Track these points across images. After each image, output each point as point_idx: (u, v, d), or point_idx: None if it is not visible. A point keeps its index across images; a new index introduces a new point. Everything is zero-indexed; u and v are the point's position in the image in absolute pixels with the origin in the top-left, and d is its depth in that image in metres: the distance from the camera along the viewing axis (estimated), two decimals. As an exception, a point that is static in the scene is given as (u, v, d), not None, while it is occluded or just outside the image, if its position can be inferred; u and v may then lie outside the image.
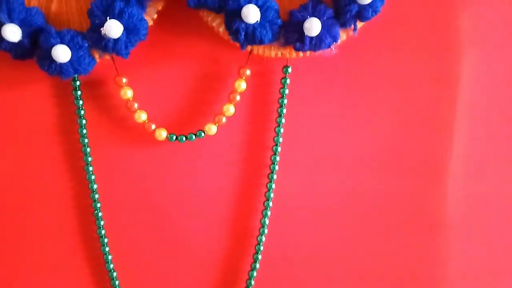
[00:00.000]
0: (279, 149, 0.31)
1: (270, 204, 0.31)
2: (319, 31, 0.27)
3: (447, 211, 0.31)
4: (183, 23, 0.30)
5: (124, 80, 0.30)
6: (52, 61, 0.28)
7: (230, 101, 0.31)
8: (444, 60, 0.30)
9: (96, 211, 0.32)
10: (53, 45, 0.27)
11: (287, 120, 0.31)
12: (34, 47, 0.29)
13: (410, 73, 0.30)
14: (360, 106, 0.31)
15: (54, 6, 0.29)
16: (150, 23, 0.29)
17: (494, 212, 0.31)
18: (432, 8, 0.30)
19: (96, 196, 0.32)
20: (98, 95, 0.31)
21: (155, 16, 0.29)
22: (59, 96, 0.31)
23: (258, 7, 0.27)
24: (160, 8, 0.29)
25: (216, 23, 0.29)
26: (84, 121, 0.31)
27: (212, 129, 0.31)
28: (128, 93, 0.30)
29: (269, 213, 0.31)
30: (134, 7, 0.27)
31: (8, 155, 0.31)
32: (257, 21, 0.27)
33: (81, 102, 0.31)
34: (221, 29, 0.29)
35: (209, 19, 0.29)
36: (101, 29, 0.27)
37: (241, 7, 0.27)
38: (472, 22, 0.30)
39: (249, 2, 0.27)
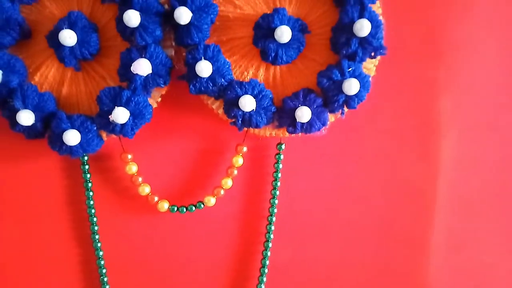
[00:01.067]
0: (274, 219, 0.33)
1: (266, 270, 0.33)
2: (309, 118, 0.30)
3: (429, 282, 0.33)
4: (185, 103, 0.33)
5: (130, 156, 0.33)
6: (63, 143, 0.30)
7: (228, 175, 0.33)
8: (427, 139, 0.32)
9: (102, 277, 0.34)
10: (64, 130, 0.30)
11: (281, 192, 0.33)
12: (46, 128, 0.31)
13: (395, 151, 0.33)
14: (349, 180, 0.33)
15: (64, 90, 0.32)
16: (155, 105, 0.32)
17: (474, 283, 0.33)
18: (415, 92, 0.32)
19: (102, 262, 0.34)
20: (105, 168, 0.33)
21: (159, 99, 0.32)
22: (68, 169, 0.33)
23: (254, 97, 0.30)
24: (164, 92, 0.32)
25: (216, 105, 0.31)
26: (91, 193, 0.33)
27: (211, 201, 0.33)
28: (133, 168, 0.33)
29: (265, 279, 0.33)
30: (140, 96, 0.30)
31: (19, 222, 0.34)
32: (253, 109, 0.30)
33: (88, 175, 0.33)
34: (220, 111, 0.31)
35: (209, 102, 0.31)
36: (110, 116, 0.30)
37: (238, 97, 0.30)
38: (452, 105, 0.32)
39: (245, 93, 0.29)
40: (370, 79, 0.30)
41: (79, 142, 0.30)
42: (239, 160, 0.33)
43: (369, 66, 0.31)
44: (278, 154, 0.33)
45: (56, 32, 0.29)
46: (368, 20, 0.28)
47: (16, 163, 0.33)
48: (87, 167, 0.33)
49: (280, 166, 0.33)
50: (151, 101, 0.31)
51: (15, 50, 0.31)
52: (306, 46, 0.31)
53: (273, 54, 0.29)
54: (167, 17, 0.30)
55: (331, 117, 0.31)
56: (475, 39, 0.33)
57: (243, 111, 0.30)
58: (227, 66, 0.30)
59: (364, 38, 0.28)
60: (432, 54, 0.32)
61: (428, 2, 0.32)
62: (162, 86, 0.31)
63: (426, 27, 0.32)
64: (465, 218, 0.33)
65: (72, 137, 0.30)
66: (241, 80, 0.31)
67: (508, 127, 0.33)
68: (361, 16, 0.28)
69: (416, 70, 0.32)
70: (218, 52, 0.30)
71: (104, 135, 0.32)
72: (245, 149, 0.33)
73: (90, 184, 0.33)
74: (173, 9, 0.29)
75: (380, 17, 0.30)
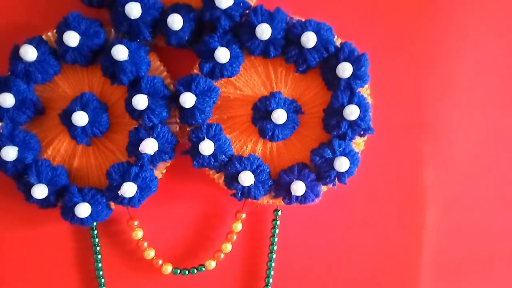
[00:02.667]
0: (271, 280, 0.35)
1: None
2: (304, 192, 0.32)
3: None
4: (188, 172, 0.35)
5: (136, 222, 0.35)
6: (75, 215, 0.32)
7: (227, 240, 0.35)
8: (412, 208, 0.35)
9: (108, 335, 0.36)
10: (76, 204, 0.32)
11: (278, 255, 0.35)
12: (58, 199, 0.33)
13: (383, 218, 0.35)
14: (339, 244, 0.35)
15: (76, 162, 0.34)
16: (160, 176, 0.34)
17: None
18: (400, 164, 0.35)
19: (109, 321, 0.36)
20: (112, 232, 0.35)
21: (164, 171, 0.34)
22: (77, 233, 0.35)
23: (252, 172, 0.32)
24: (168, 164, 0.34)
25: (217, 176, 0.34)
26: (99, 256, 0.35)
27: (212, 264, 0.35)
28: (139, 234, 0.35)
29: (262, 338, 0.36)
30: (147, 171, 0.32)
31: (29, 283, 0.35)
32: (252, 183, 0.32)
33: (97, 239, 0.35)
34: (221, 181, 0.34)
35: (211, 173, 0.34)
36: (118, 191, 0.32)
37: (238, 172, 0.32)
38: (436, 176, 0.35)
39: (245, 169, 0.32)
40: (359, 154, 0.33)
41: (90, 214, 0.32)
42: (238, 226, 0.35)
43: (358, 141, 0.33)
44: (275, 220, 0.35)
45: (69, 112, 0.32)
46: (357, 105, 0.31)
47: (29, 227, 0.35)
48: (95, 232, 0.35)
49: (277, 231, 0.35)
50: (156, 173, 0.34)
51: (30, 125, 0.34)
52: (300, 124, 0.33)
53: (270, 133, 0.32)
54: (173, 98, 0.33)
55: (323, 188, 0.34)
56: (457, 114, 0.35)
57: (243, 185, 0.32)
58: (228, 143, 0.32)
59: (354, 121, 0.31)
60: (416, 128, 0.35)
61: (412, 83, 0.35)
62: (168, 161, 0.33)
63: (411, 105, 0.35)
64: (448, 285, 0.35)
65: (83, 210, 0.32)
66: (240, 153, 0.34)
67: (489, 196, 0.36)
68: (350, 101, 0.31)
69: (401, 143, 0.35)
70: (220, 131, 0.32)
71: (112, 205, 0.34)
72: (244, 215, 0.35)
73: (98, 248, 0.35)
74: (178, 93, 0.32)
75: (369, 98, 0.33)
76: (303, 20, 0.32)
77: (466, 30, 0.35)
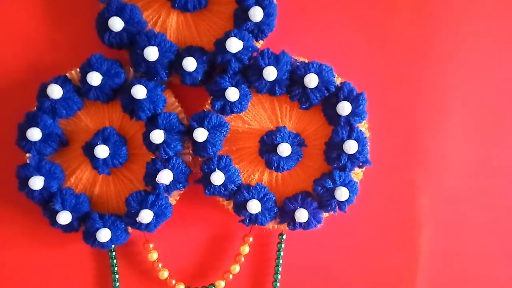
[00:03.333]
0: (276, 299, 0.38)
1: None
2: (307, 219, 0.35)
3: None
4: (200, 198, 0.37)
5: (151, 245, 0.38)
6: (96, 239, 0.35)
7: (236, 262, 0.38)
8: (407, 232, 0.38)
9: None
10: (97, 229, 0.35)
11: (283, 275, 0.38)
12: (80, 224, 0.36)
13: (380, 242, 0.38)
14: (340, 265, 0.38)
15: (96, 190, 0.37)
16: (174, 203, 0.37)
17: None
18: (396, 192, 0.38)
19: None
20: (129, 253, 0.38)
21: (178, 197, 0.37)
22: (97, 254, 0.38)
23: (259, 200, 0.35)
24: (182, 191, 0.37)
25: (226, 203, 0.36)
26: (117, 276, 0.38)
27: (221, 284, 0.38)
28: (154, 256, 0.38)
29: None
30: (163, 199, 0.35)
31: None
32: (259, 211, 0.35)
33: (115, 260, 0.38)
34: (230, 207, 0.36)
35: (221, 199, 0.37)
36: (136, 218, 0.34)
37: (246, 201, 0.35)
38: (429, 203, 0.38)
39: (252, 197, 0.34)
40: (358, 183, 0.36)
41: (110, 238, 0.35)
42: (246, 249, 0.38)
43: (357, 171, 0.36)
44: (280, 243, 0.38)
45: (92, 145, 0.35)
46: (356, 140, 0.34)
47: (51, 247, 0.38)
48: (114, 253, 0.38)
49: (282, 253, 0.38)
50: (171, 199, 0.36)
51: (54, 156, 0.36)
52: (304, 155, 0.36)
53: (276, 165, 0.35)
54: (187, 132, 0.35)
55: (325, 214, 0.36)
56: (448, 145, 0.38)
57: (250, 213, 0.35)
58: (237, 173, 0.35)
59: (353, 154, 0.34)
60: (411, 159, 0.38)
61: (407, 117, 0.37)
62: (181, 190, 0.36)
63: (406, 137, 0.38)
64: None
65: (104, 235, 0.35)
66: (248, 182, 0.36)
67: (479, 221, 0.38)
68: (349, 136, 0.34)
69: (397, 173, 0.38)
70: (229, 162, 0.35)
71: (130, 228, 0.37)
72: (251, 239, 0.38)
73: (116, 268, 0.38)
74: (192, 128, 0.34)
75: (366, 132, 0.36)
76: (306, 61, 0.35)
77: (457, 68, 0.38)
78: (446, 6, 0.38)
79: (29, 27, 0.37)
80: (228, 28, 0.35)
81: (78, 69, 0.36)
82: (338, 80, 0.36)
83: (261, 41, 0.36)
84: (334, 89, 0.34)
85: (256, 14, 0.33)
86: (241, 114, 0.36)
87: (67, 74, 0.36)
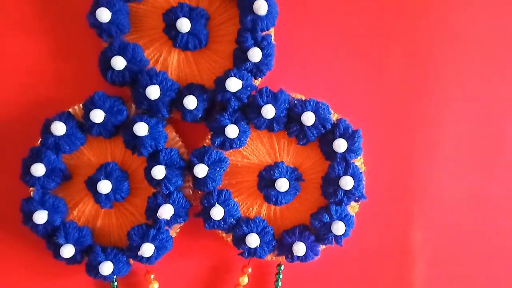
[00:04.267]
0: (275, 328, 0.39)
1: None
2: (304, 252, 0.35)
3: None
4: (199, 229, 0.38)
5: (152, 276, 0.38)
6: (98, 272, 0.36)
7: (235, 292, 0.39)
8: (401, 264, 0.39)
9: None
10: (100, 262, 0.35)
11: (281, 305, 0.39)
12: (83, 256, 0.37)
13: (375, 273, 0.39)
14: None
15: (99, 222, 0.37)
16: (174, 235, 0.37)
17: None
18: (391, 224, 0.39)
19: None
20: (131, 283, 0.39)
21: (178, 230, 0.37)
22: (99, 284, 0.39)
23: (258, 234, 0.36)
24: (182, 224, 0.37)
25: (225, 235, 0.37)
26: (119, 306, 0.39)
27: (221, 314, 0.38)
28: (155, 286, 0.38)
29: None
30: (164, 233, 0.36)
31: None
32: (257, 245, 0.35)
33: (117, 291, 0.39)
34: (229, 239, 0.37)
35: (220, 231, 0.37)
36: (138, 251, 0.35)
37: (245, 235, 0.35)
38: (422, 236, 0.39)
39: (251, 231, 0.35)
40: (354, 216, 0.37)
41: (112, 271, 0.36)
42: (244, 280, 0.38)
43: (354, 204, 0.37)
44: (278, 273, 0.38)
45: (94, 180, 0.36)
46: (352, 176, 0.35)
47: (55, 278, 0.39)
48: (115, 283, 0.38)
49: (280, 283, 0.38)
50: (171, 232, 0.37)
51: (57, 189, 0.37)
52: (301, 188, 0.37)
53: (274, 199, 0.36)
54: (187, 166, 0.36)
55: (322, 246, 0.37)
56: (442, 179, 0.39)
57: (249, 247, 0.36)
58: (236, 207, 0.36)
59: (349, 190, 0.35)
60: (406, 192, 0.39)
61: (402, 151, 0.39)
62: (182, 223, 0.37)
63: (401, 171, 0.39)
64: None
65: (106, 268, 0.36)
66: (247, 215, 0.37)
67: (473, 253, 0.39)
68: (345, 172, 0.35)
69: (392, 206, 0.39)
70: (229, 196, 0.36)
71: (131, 260, 0.37)
72: (249, 270, 0.38)
73: (118, 298, 0.39)
74: (192, 164, 0.35)
75: (362, 166, 0.37)
76: (303, 98, 0.36)
77: (451, 102, 0.39)
78: (442, 44, 0.39)
79: (34, 62, 0.38)
80: (227, 66, 0.36)
81: (81, 105, 0.37)
82: (334, 117, 0.37)
83: (259, 79, 0.37)
84: (330, 127, 0.35)
85: (255, 55, 0.34)
86: (240, 149, 0.37)
87: (70, 110, 0.37)
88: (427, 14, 0.39)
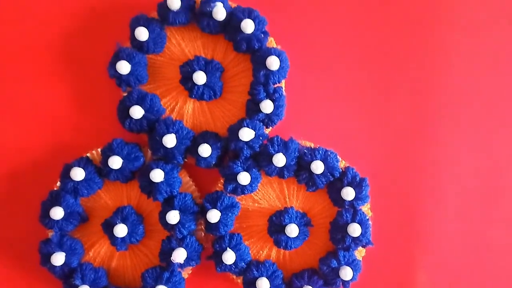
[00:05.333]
0: None
1: None
2: (313, 296, 0.37)
3: None
4: (211, 271, 0.39)
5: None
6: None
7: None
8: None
9: None
10: (115, 304, 0.37)
11: None
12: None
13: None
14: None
15: (114, 263, 0.39)
16: (186, 276, 0.38)
17: None
18: (396, 267, 0.40)
19: None
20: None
21: (190, 271, 0.38)
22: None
23: (268, 277, 0.37)
24: (190, 271, 0.39)
25: (236, 277, 0.38)
26: None
27: None
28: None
29: None
30: (177, 275, 0.37)
31: None
32: (268, 288, 0.37)
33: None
34: (239, 281, 0.38)
35: (230, 273, 0.38)
36: (152, 293, 0.36)
37: (255, 278, 0.37)
38: (428, 279, 0.39)
39: (261, 275, 0.36)
40: (361, 261, 0.38)
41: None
42: (254, 321, 0.39)
43: (361, 249, 0.38)
44: (287, 314, 0.40)
45: (111, 224, 0.37)
46: (359, 223, 0.36)
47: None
48: (128, 323, 0.40)
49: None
50: (183, 273, 0.38)
51: (74, 230, 0.38)
52: (310, 233, 0.38)
53: (284, 244, 0.37)
54: (200, 211, 0.37)
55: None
56: (446, 225, 0.40)
57: (260, 291, 0.37)
58: (247, 251, 0.37)
59: (356, 237, 0.36)
60: (410, 237, 0.40)
61: (406, 197, 0.40)
62: (194, 266, 0.38)
63: (405, 216, 0.40)
64: None
65: (120, 312, 0.37)
66: (257, 257, 0.38)
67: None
68: (353, 219, 0.36)
69: (397, 250, 0.40)
70: (240, 240, 0.37)
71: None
72: (259, 311, 0.39)
73: None
74: (205, 209, 0.36)
75: (369, 212, 0.38)
76: (312, 146, 0.38)
77: (453, 151, 0.40)
78: (446, 95, 0.40)
79: (55, 108, 0.40)
80: (240, 115, 0.38)
81: (99, 149, 0.38)
82: (342, 164, 0.38)
83: (270, 127, 0.38)
84: (338, 175, 0.37)
85: (267, 107, 0.36)
86: (251, 193, 0.39)
87: (89, 154, 0.38)
88: (432, 64, 0.40)
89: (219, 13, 0.36)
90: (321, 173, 0.36)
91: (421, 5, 0.41)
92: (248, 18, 0.36)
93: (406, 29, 0.41)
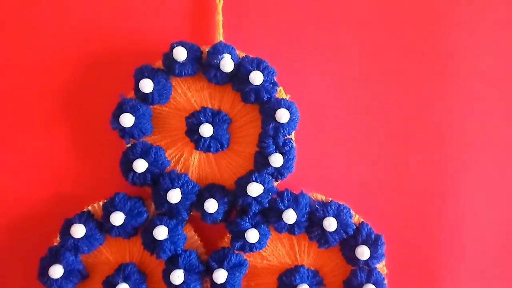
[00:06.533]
0: None
1: None
2: None
3: None
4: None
5: None
6: None
7: None
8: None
9: None
10: None
11: None
12: None
13: None
14: None
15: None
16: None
17: None
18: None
19: None
20: None
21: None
22: None
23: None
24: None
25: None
26: None
27: None
28: None
29: None
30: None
31: None
32: None
33: None
34: None
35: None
36: None
37: None
38: None
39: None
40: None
41: None
42: None
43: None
44: None
45: (113, 283, 0.35)
46: (374, 284, 0.34)
47: None
48: None
49: None
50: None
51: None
52: (323, 292, 0.36)
53: (295, 305, 0.35)
54: (206, 269, 0.36)
55: None
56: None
57: None
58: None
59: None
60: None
61: (422, 254, 0.38)
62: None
63: (420, 273, 0.38)
64: None
65: None
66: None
67: None
68: (368, 280, 0.34)
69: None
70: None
71: None
72: None
73: None
74: (211, 268, 0.35)
75: (384, 269, 0.36)
76: (324, 200, 0.36)
77: (470, 204, 0.38)
78: (464, 139, 0.39)
79: (56, 158, 0.38)
80: (248, 166, 0.37)
81: (101, 203, 0.37)
82: (355, 218, 0.36)
83: (280, 180, 0.37)
84: (352, 232, 0.35)
85: (277, 160, 0.34)
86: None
87: (90, 208, 0.37)
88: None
89: (227, 65, 0.35)
90: (334, 231, 0.34)
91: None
92: (256, 69, 0.35)
93: (422, 72, 0.39)
